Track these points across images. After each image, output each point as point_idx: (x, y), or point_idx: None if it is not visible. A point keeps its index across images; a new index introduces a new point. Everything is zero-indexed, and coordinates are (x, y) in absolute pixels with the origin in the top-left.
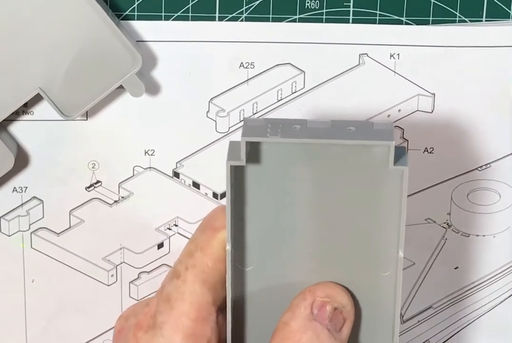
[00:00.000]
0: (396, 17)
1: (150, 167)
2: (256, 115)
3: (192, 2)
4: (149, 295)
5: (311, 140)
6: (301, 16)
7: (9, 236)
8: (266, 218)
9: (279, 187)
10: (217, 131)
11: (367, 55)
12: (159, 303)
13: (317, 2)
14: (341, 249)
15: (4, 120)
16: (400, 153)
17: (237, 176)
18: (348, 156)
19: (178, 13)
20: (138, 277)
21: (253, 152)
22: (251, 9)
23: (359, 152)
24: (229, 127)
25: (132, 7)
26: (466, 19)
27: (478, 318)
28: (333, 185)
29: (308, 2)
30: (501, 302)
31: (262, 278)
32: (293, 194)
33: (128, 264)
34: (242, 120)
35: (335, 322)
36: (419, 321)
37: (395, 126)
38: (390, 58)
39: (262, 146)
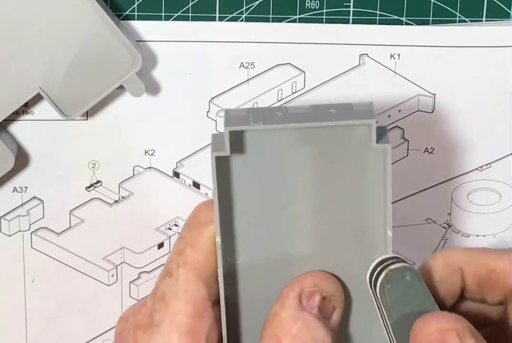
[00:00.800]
0: (396, 17)
1: (150, 167)
2: None
3: (192, 2)
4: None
5: (294, 125)
6: (301, 16)
7: (9, 236)
8: (254, 208)
9: (265, 176)
10: (217, 131)
11: (368, 56)
12: (154, 302)
13: (317, 2)
14: (330, 235)
15: (4, 120)
16: (381, 133)
17: (222, 168)
18: (331, 139)
19: (178, 13)
20: (139, 277)
21: (237, 142)
22: (251, 9)
23: (342, 134)
24: None
25: (132, 7)
26: (466, 19)
27: None
28: (319, 169)
29: (308, 2)
30: None
31: (254, 269)
32: (280, 181)
33: (129, 264)
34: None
35: (325, 311)
36: None
37: (396, 126)
38: (391, 58)
39: (245, 136)
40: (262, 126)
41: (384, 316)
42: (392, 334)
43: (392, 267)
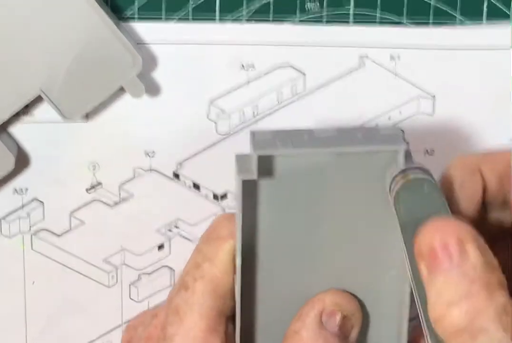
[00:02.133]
0: (396, 19)
1: (150, 169)
2: (256, 117)
3: (192, 4)
4: (150, 296)
5: (324, 149)
6: (301, 18)
7: (9, 237)
8: (276, 228)
9: (290, 198)
10: (218, 133)
11: (368, 57)
12: (168, 315)
13: (317, 4)
14: (349, 253)
15: (4, 122)
16: (407, 157)
17: (246, 190)
18: (357, 163)
19: (179, 16)
20: (139, 278)
21: (263, 165)
22: (251, 11)
23: (369, 158)
24: (230, 129)
25: (132, 10)
26: (466, 21)
27: None
28: (343, 192)
29: (308, 4)
30: None
31: (271, 288)
32: (305, 204)
33: (129, 266)
34: (243, 125)
35: (344, 329)
36: None
37: None
38: (391, 60)
39: (272, 159)
40: (292, 151)
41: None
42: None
43: (411, 176)
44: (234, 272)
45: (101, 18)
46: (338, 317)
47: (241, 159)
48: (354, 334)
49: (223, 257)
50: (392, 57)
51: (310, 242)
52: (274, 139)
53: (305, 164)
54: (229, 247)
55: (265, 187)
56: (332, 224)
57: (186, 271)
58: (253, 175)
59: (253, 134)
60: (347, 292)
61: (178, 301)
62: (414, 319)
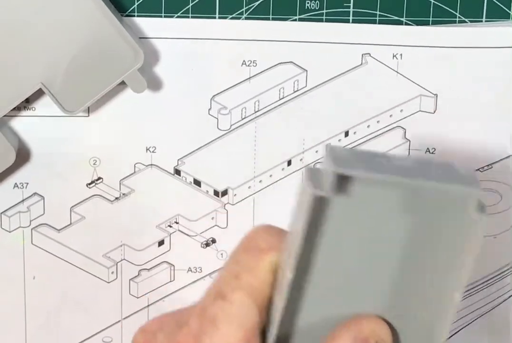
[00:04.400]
0: (396, 18)
1: (151, 165)
2: (257, 113)
3: (192, 2)
4: (149, 292)
5: (405, 180)
6: (301, 16)
7: (9, 232)
8: (335, 249)
9: (356, 221)
10: (219, 129)
11: (370, 55)
12: (202, 324)
13: (317, 3)
14: (400, 287)
15: (5, 115)
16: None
17: (315, 206)
18: (429, 198)
19: (178, 14)
20: (139, 274)
21: (337, 183)
22: (251, 9)
23: (441, 195)
24: (231, 125)
25: (132, 7)
26: (466, 20)
27: (478, 318)
28: (412, 225)
29: (308, 3)
30: (501, 302)
31: (313, 306)
32: (367, 231)
33: (129, 261)
34: (244, 121)
35: None
36: None
37: (397, 126)
38: (393, 58)
39: (348, 179)
40: (374, 175)
41: None
42: None
43: None
44: (274, 287)
45: (103, 12)
46: None
47: (312, 173)
48: None
49: (263, 268)
50: (394, 55)
51: (366, 267)
52: (352, 158)
53: (379, 190)
54: (269, 259)
55: (335, 205)
56: (394, 253)
57: (222, 279)
58: (328, 192)
59: (331, 149)
60: (382, 319)
61: (215, 311)
62: None
